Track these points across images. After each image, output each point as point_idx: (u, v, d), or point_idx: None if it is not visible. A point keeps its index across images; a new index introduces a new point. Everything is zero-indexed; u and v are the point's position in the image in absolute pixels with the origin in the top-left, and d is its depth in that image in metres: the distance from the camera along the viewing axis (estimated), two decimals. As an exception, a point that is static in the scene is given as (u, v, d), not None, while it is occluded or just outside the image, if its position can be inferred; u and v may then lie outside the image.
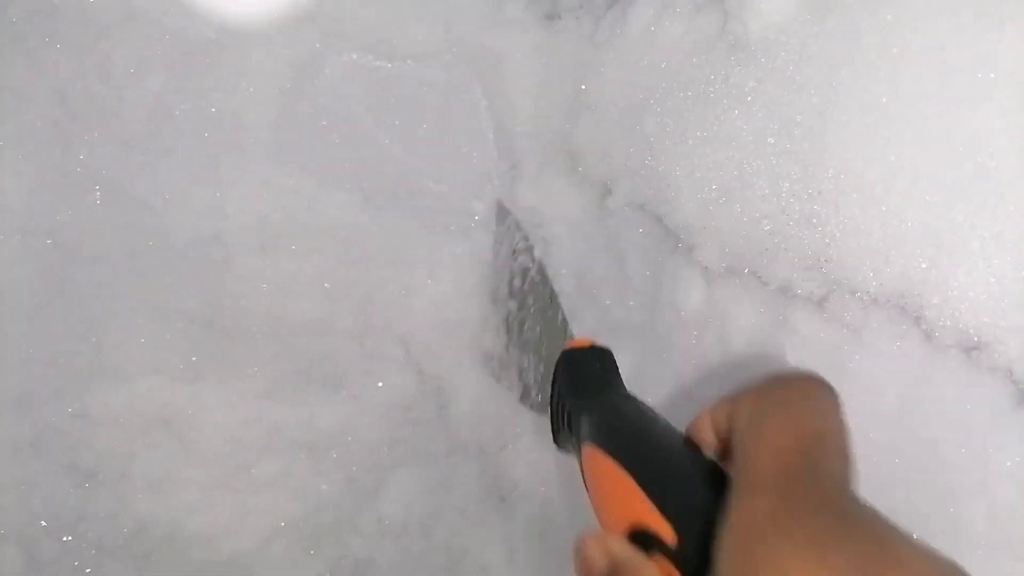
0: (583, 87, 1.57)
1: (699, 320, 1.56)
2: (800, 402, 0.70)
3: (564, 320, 1.56)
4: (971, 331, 1.10)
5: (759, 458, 0.60)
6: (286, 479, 1.57)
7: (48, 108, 1.30)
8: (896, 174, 1.11)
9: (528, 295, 1.61)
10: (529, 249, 1.61)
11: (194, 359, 1.46)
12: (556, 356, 1.26)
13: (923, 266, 1.12)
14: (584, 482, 0.90)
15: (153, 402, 1.43)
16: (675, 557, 0.63)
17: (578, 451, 0.96)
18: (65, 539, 1.35)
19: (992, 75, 1.00)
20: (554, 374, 1.20)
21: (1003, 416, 1.10)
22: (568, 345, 1.20)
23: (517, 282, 1.68)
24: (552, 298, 1.57)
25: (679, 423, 1.52)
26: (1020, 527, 1.07)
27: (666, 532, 0.65)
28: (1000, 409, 1.10)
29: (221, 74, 1.40)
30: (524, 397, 1.69)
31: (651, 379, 1.69)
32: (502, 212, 1.69)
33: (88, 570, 1.38)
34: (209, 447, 1.49)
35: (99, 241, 1.36)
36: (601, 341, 1.17)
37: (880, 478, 1.21)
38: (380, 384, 1.69)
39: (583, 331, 1.75)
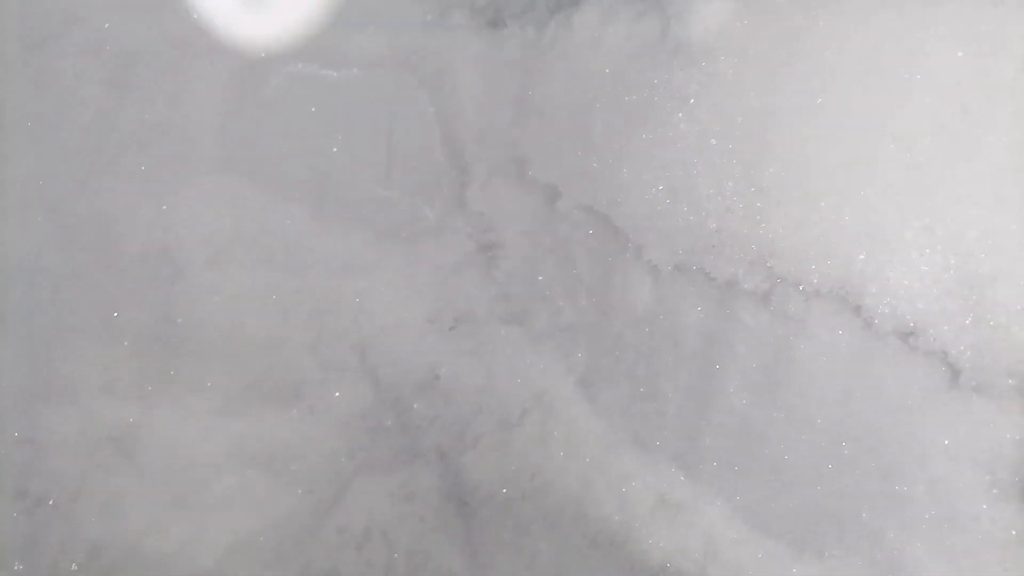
0: (530, 93, 1.59)
1: (650, 317, 1.60)
2: None
3: None
4: (907, 318, 1.16)
5: None
6: (243, 494, 1.55)
7: (-16, 123, 1.26)
8: (833, 171, 1.16)
9: None
10: None
11: (145, 376, 1.43)
12: None
13: (861, 258, 1.19)
14: None
15: (103, 422, 1.39)
16: None
17: None
18: (16, 567, 1.31)
19: (918, 76, 1.06)
20: None
21: (939, 396, 1.16)
22: None
23: None
24: None
25: (633, 423, 1.56)
26: (958, 500, 1.14)
27: None
28: (936, 390, 1.17)
29: (164, 84, 1.38)
30: None
31: (604, 377, 1.73)
32: None
33: (40, 599, 1.33)
34: (162, 466, 1.45)
35: (41, 259, 1.32)
36: None
37: (827, 460, 1.27)
38: (336, 394, 1.68)
39: (535, 333, 1.76)
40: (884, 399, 1.27)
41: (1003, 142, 1.06)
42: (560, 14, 1.51)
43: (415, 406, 1.76)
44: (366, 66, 1.62)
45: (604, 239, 1.57)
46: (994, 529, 1.10)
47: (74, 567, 1.35)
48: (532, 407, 1.68)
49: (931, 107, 1.05)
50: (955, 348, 1.11)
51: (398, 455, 1.75)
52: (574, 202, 1.55)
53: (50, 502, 1.34)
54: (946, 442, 1.14)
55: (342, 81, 1.60)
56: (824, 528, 1.28)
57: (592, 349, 1.63)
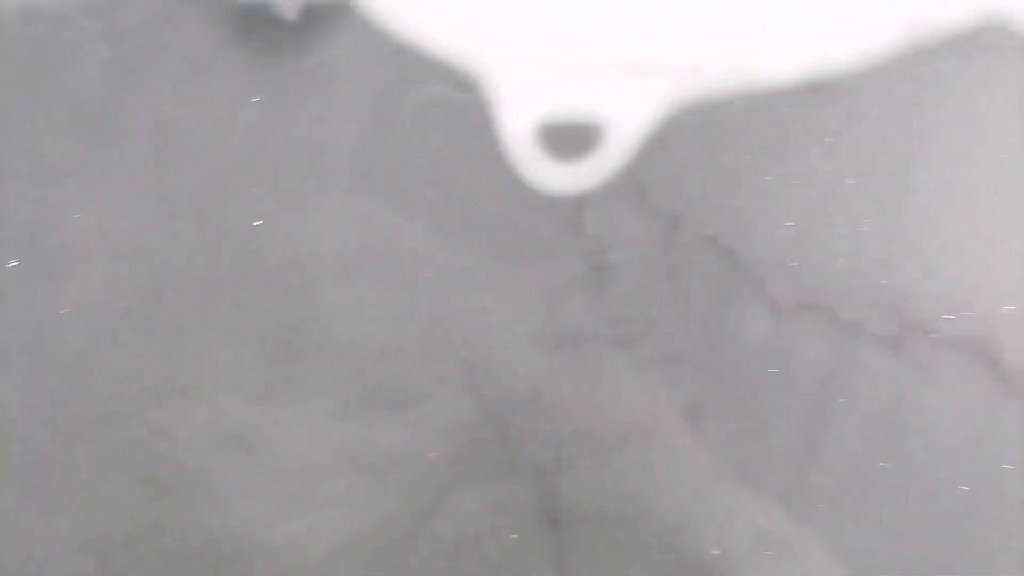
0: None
1: (764, 353, 1.58)
2: None
3: None
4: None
5: None
6: (350, 497, 1.60)
7: (149, 137, 1.35)
8: (978, 219, 1.12)
9: None
10: None
11: (269, 380, 1.50)
12: None
13: (1004, 310, 1.14)
14: None
15: (229, 420, 1.46)
16: None
17: None
18: (142, 549, 1.39)
19: None
20: None
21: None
22: None
23: None
24: None
25: (738, 456, 1.54)
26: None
27: None
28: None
29: (310, 105, 1.44)
30: None
31: (712, 411, 1.71)
32: None
33: (164, 580, 1.41)
34: (280, 465, 1.52)
35: (188, 265, 1.40)
36: None
37: (943, 512, 1.22)
38: (441, 406, 1.71)
39: (639, 360, 1.76)
40: (1011, 456, 1.21)
41: None
42: (692, 42, 1.51)
43: (516, 422, 1.78)
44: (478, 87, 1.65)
45: (723, 270, 1.55)
46: None
47: (191, 554, 1.43)
48: (633, 432, 1.68)
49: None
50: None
51: (495, 469, 1.78)
52: (695, 232, 1.54)
53: (175, 491, 1.42)
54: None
55: (475, 102, 1.63)
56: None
57: (700, 380, 1.61)
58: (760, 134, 1.32)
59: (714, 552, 1.48)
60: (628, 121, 1.53)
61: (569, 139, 1.61)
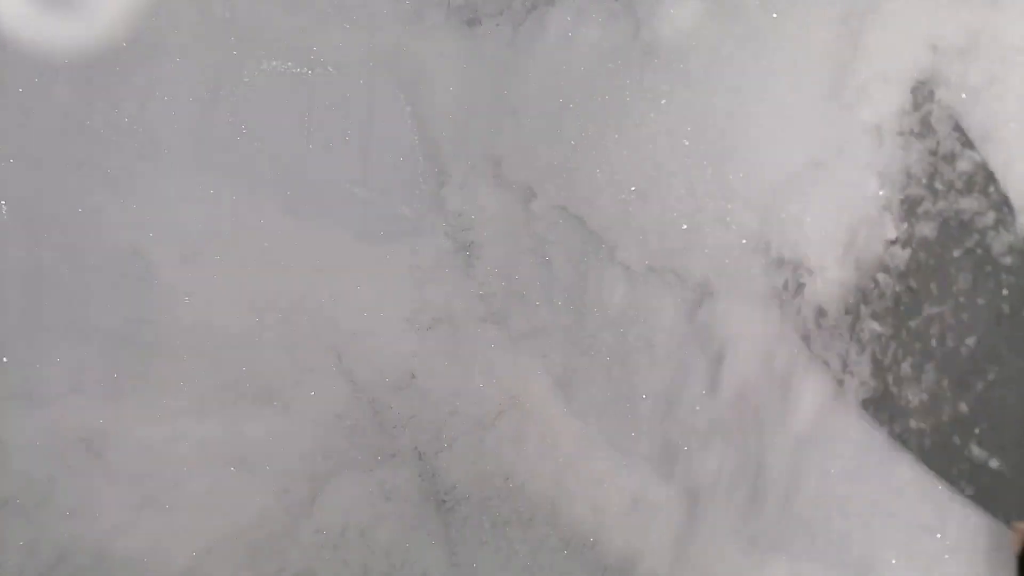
0: (505, 92, 1.59)
1: (624, 318, 1.60)
2: None
3: None
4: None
5: None
6: (216, 495, 1.54)
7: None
8: (801, 171, 1.16)
9: (972, 266, 0.95)
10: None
11: (115, 377, 1.42)
12: None
13: (828, 259, 1.18)
14: None
15: (72, 423, 1.38)
16: None
17: None
18: (-19, 570, 1.30)
19: (876, 67, 1.04)
20: None
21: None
22: None
23: None
24: None
25: (611, 419, 1.55)
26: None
27: None
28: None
29: (133, 83, 1.37)
30: None
31: (580, 377, 1.73)
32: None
33: (7, 602, 1.33)
34: (133, 467, 1.45)
35: (11, 260, 1.31)
36: None
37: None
38: (312, 394, 1.67)
39: (511, 332, 1.75)
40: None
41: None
42: (534, 14, 1.51)
43: (391, 405, 1.75)
44: (342, 66, 1.61)
45: (578, 239, 1.57)
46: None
47: (41, 571, 1.34)
48: (508, 407, 1.68)
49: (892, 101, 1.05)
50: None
51: (375, 455, 1.75)
52: (548, 202, 1.55)
53: (16, 505, 1.33)
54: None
55: (317, 80, 1.59)
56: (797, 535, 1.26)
57: (567, 350, 1.63)
58: (600, 100, 1.33)
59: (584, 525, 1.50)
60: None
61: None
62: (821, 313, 1.11)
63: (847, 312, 1.07)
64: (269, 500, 1.60)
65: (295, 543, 1.64)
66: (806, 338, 1.16)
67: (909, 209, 1.01)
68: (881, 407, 1.04)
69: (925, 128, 1.03)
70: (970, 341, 0.93)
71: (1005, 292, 0.88)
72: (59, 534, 1.35)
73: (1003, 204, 0.90)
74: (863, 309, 1.05)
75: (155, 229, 1.44)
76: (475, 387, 1.72)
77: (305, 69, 1.52)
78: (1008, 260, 0.89)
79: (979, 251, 0.92)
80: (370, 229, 1.71)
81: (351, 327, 1.69)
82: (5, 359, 1.34)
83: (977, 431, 0.92)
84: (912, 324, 0.98)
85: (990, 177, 0.92)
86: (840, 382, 1.09)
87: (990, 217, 0.91)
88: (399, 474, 1.76)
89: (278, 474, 1.62)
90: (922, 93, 1.05)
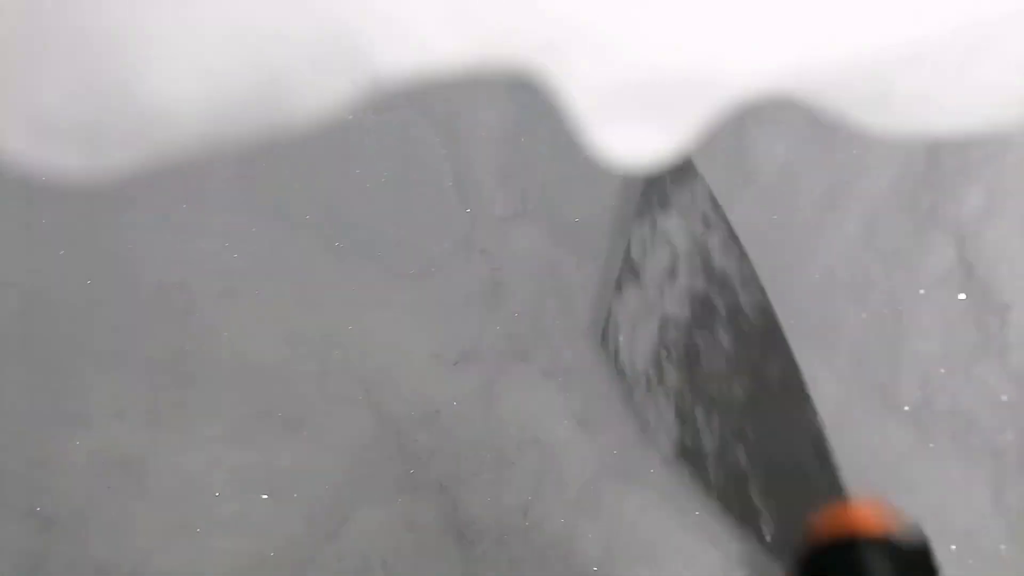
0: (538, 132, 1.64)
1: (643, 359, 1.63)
2: None
3: (814, 423, 1.02)
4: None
5: None
6: (246, 520, 1.60)
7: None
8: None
9: (728, 325, 1.15)
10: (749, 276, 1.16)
11: (155, 404, 1.50)
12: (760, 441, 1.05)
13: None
14: None
15: (113, 447, 1.46)
16: None
17: None
18: (24, 585, 1.38)
19: None
20: (810, 564, 0.63)
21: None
22: (844, 523, 0.61)
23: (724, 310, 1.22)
24: (787, 372, 1.06)
25: (625, 459, 1.56)
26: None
27: None
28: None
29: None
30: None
31: (600, 420, 1.75)
32: (678, 166, 1.25)
33: (47, 616, 1.40)
34: (169, 490, 1.52)
35: (63, 291, 1.40)
36: (908, 523, 0.61)
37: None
38: (340, 425, 1.73)
39: (535, 370, 1.79)
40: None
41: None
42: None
43: (417, 438, 1.80)
44: (381, 110, 1.69)
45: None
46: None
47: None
48: (530, 443, 1.72)
49: None
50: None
51: (399, 486, 1.80)
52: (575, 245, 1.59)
53: (59, 523, 1.41)
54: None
55: (357, 123, 1.67)
56: None
57: (589, 391, 1.66)
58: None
59: (595, 565, 1.53)
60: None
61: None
62: (633, 363, 1.39)
63: (652, 364, 1.29)
64: (296, 527, 1.66)
65: (319, 569, 1.70)
66: (629, 389, 1.41)
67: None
68: (685, 455, 1.22)
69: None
70: (738, 390, 1.08)
71: (755, 342, 1.06)
72: (98, 552, 1.43)
73: (744, 261, 1.11)
74: (664, 358, 1.25)
75: (198, 265, 1.52)
76: (498, 423, 1.76)
77: (346, 114, 1.60)
78: (753, 315, 1.08)
79: (734, 306, 1.10)
80: (402, 267, 1.78)
81: (380, 361, 1.75)
82: (56, 386, 1.43)
83: (753, 479, 1.05)
84: (699, 374, 1.15)
85: (733, 237, 1.12)
86: (653, 437, 1.33)
87: (737, 274, 1.12)
88: (422, 506, 1.80)
89: (306, 502, 1.67)
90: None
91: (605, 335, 1.41)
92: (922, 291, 1.05)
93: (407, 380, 1.78)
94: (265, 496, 1.62)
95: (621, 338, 1.37)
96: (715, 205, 1.16)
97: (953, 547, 0.96)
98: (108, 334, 1.46)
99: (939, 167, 1.05)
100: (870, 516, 0.64)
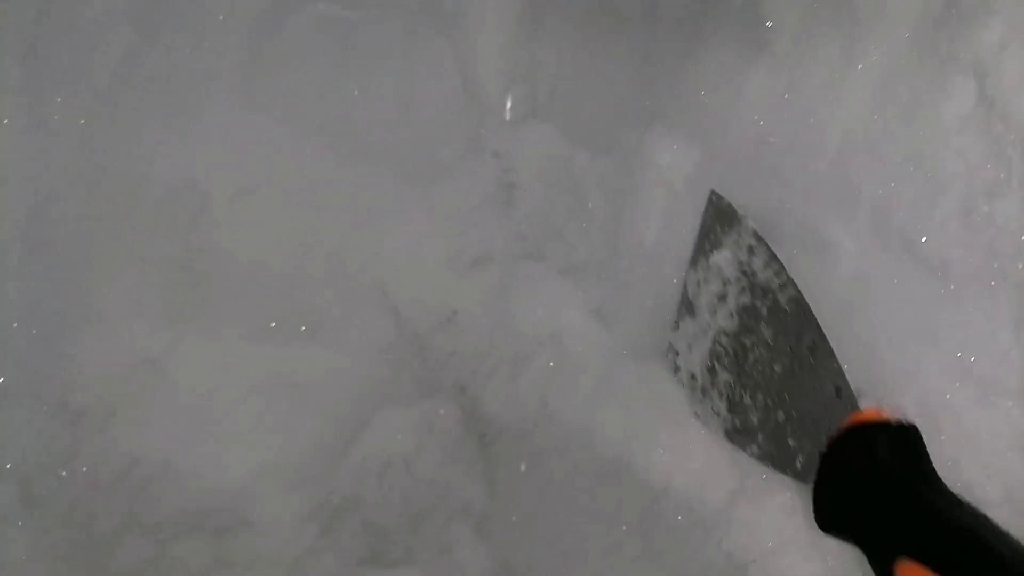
0: (546, 25, 1.61)
1: (658, 251, 1.62)
2: None
3: (839, 372, 1.23)
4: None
5: None
6: (269, 420, 1.63)
7: (18, 57, 1.34)
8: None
9: (769, 322, 1.34)
10: (776, 265, 1.35)
11: (173, 304, 1.51)
12: (796, 401, 1.23)
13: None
14: None
15: (135, 345, 1.48)
16: None
17: (880, 558, 0.83)
18: (61, 474, 1.41)
19: None
20: (829, 452, 1.05)
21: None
22: (854, 419, 1.04)
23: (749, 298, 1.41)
24: (816, 342, 1.25)
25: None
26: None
27: None
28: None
29: (187, 24, 1.44)
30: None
31: (617, 311, 1.75)
32: (724, 214, 1.46)
33: (83, 504, 1.44)
34: (194, 389, 1.54)
35: (75, 191, 1.40)
36: (902, 414, 0.99)
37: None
38: (358, 328, 1.74)
39: (552, 269, 1.79)
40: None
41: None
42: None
43: (435, 341, 1.81)
44: (385, 6, 1.66)
45: (616, 174, 1.59)
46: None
47: (113, 478, 1.45)
48: (547, 340, 1.72)
49: None
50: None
51: (419, 389, 1.82)
52: (589, 145, 1.57)
53: (88, 417, 1.44)
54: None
55: (361, 20, 1.64)
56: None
57: (604, 285, 1.66)
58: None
59: (618, 451, 1.55)
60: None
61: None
62: (692, 377, 1.53)
63: (707, 372, 1.47)
64: (318, 428, 1.68)
65: (342, 470, 1.73)
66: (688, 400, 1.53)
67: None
68: (736, 433, 1.40)
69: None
70: (777, 368, 1.28)
71: (792, 329, 1.26)
72: (128, 446, 1.46)
73: (782, 272, 1.31)
74: (716, 366, 1.44)
75: (208, 166, 1.52)
76: (514, 322, 1.77)
77: (350, 11, 1.57)
78: (789, 309, 1.26)
79: (774, 307, 1.30)
80: (412, 171, 1.76)
81: (395, 265, 1.75)
82: (77, 285, 1.44)
83: (789, 428, 1.26)
84: (746, 368, 1.36)
85: (773, 256, 1.33)
86: (706, 423, 1.44)
87: (776, 282, 1.32)
88: (441, 407, 1.82)
89: (327, 403, 1.70)
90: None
91: (668, 358, 1.60)
92: (943, 137, 1.04)
93: (422, 284, 1.78)
94: (286, 397, 1.64)
95: (679, 360, 1.57)
96: (757, 237, 1.36)
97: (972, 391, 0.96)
98: (121, 234, 1.47)
99: (958, 4, 1.03)
100: (872, 412, 0.92)
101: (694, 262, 1.53)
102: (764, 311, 1.31)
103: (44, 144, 1.36)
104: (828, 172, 1.18)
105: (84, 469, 1.44)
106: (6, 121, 1.32)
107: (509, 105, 1.80)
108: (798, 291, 1.27)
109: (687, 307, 1.54)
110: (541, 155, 1.80)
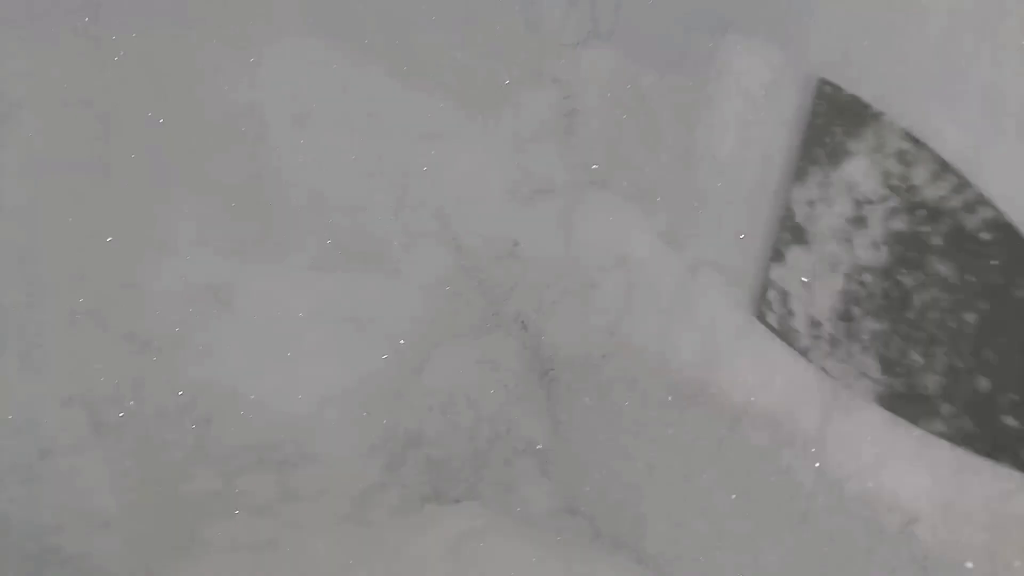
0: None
1: (735, 165, 1.53)
2: None
3: None
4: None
5: None
6: (332, 349, 1.60)
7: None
8: None
9: (948, 254, 1.03)
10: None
11: (236, 232, 1.48)
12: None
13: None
14: None
15: (200, 273, 1.46)
16: None
17: None
18: (129, 403, 1.40)
19: None
20: None
21: None
22: None
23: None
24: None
25: (722, 271, 1.49)
26: None
27: None
28: None
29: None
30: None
31: (690, 232, 1.67)
32: (848, 110, 1.24)
33: (150, 433, 1.43)
34: (257, 316, 1.52)
35: (135, 110, 1.37)
36: None
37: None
38: (418, 259, 1.69)
39: (617, 195, 1.71)
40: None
41: None
42: None
43: (496, 274, 1.76)
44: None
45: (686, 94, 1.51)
46: None
47: (179, 406, 1.43)
48: (613, 267, 1.66)
49: None
50: None
51: (481, 322, 1.77)
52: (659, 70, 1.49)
53: (155, 345, 1.42)
54: None
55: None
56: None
57: (675, 206, 1.59)
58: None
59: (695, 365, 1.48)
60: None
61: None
62: (815, 324, 1.20)
63: (840, 319, 1.15)
64: (380, 359, 1.65)
65: (406, 403, 1.70)
66: (805, 351, 1.24)
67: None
68: (899, 400, 1.10)
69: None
70: (970, 318, 0.97)
71: (995, 263, 0.93)
72: (195, 374, 1.44)
73: (966, 186, 0.98)
74: (856, 311, 1.12)
75: (268, 89, 1.48)
76: (580, 250, 1.71)
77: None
78: (987, 236, 0.95)
79: (956, 233, 0.99)
80: (472, 97, 1.69)
81: (455, 195, 1.70)
82: (141, 212, 1.41)
83: (1003, 402, 0.96)
84: (909, 315, 1.05)
85: (945, 166, 1.01)
86: (848, 386, 1.14)
87: (958, 200, 0.98)
88: (504, 344, 1.78)
89: (389, 335, 1.66)
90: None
91: (763, 308, 1.31)
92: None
93: (483, 214, 1.73)
94: (349, 326, 1.61)
95: (791, 304, 1.25)
96: (915, 141, 1.07)
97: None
98: (182, 159, 1.44)
99: None
100: None
101: (800, 175, 1.24)
102: (937, 240, 1.02)
103: (104, 63, 1.32)
104: (932, 62, 1.08)
105: (151, 398, 1.42)
106: (66, 40, 1.27)
107: (570, 26, 1.72)
108: (998, 211, 0.96)
109: (793, 233, 1.24)
110: (603, 78, 1.71)
